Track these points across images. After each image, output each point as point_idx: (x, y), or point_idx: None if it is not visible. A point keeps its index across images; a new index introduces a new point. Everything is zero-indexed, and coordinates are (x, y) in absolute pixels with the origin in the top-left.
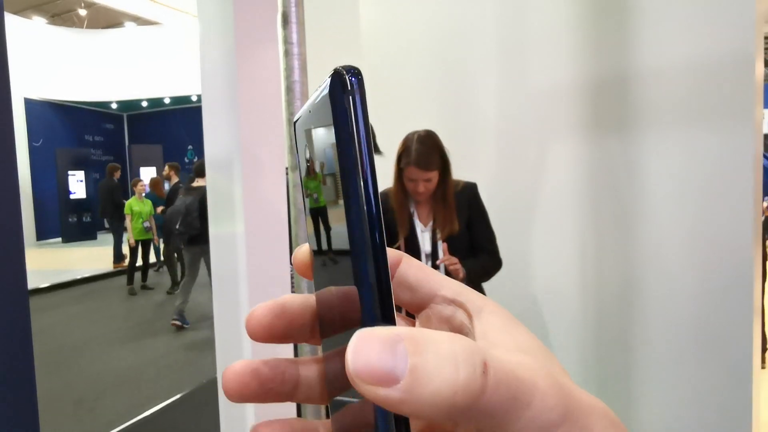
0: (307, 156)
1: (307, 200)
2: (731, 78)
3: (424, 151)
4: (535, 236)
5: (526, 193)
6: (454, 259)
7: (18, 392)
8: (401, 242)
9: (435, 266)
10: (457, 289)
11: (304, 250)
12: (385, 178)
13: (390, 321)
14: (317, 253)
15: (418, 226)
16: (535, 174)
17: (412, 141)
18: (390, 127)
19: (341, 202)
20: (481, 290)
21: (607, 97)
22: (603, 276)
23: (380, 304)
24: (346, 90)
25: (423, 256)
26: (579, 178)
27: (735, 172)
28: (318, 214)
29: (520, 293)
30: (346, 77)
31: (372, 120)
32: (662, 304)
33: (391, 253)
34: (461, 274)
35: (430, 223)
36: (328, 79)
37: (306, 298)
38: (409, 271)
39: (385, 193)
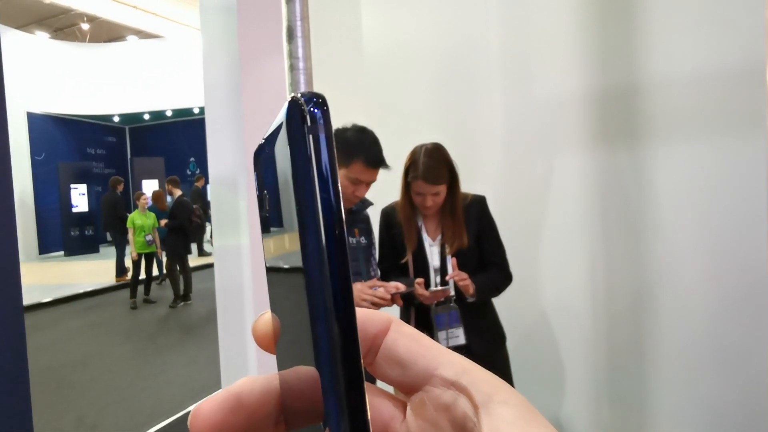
0: (264, 192)
1: (265, 257)
2: (742, 87)
3: (432, 164)
4: (543, 249)
5: (533, 206)
6: (464, 275)
7: (13, 410)
8: (409, 257)
9: (444, 282)
10: (460, 368)
11: (265, 319)
12: (392, 191)
13: (359, 425)
14: (277, 316)
15: (426, 241)
16: (543, 186)
17: (419, 154)
18: (395, 141)
19: (300, 261)
20: (491, 306)
21: (615, 108)
22: (614, 289)
23: (346, 397)
24: (305, 125)
25: (431, 271)
26: (587, 190)
27: (748, 182)
28: (275, 271)
29: (530, 307)
30: (306, 109)
31: (377, 134)
32: (676, 318)
33: (378, 318)
34: (471, 290)
35: (439, 237)
36: (284, 109)
37: (267, 383)
38: (399, 341)
39: (392, 207)
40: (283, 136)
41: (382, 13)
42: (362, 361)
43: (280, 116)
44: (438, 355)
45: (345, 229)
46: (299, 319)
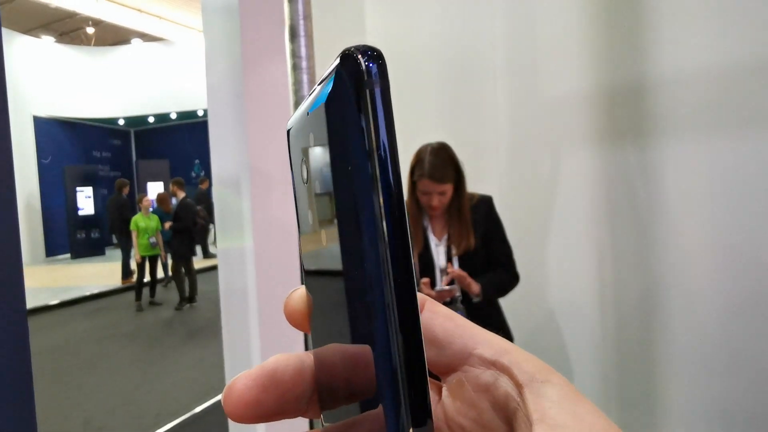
0: (304, 175)
1: (300, 231)
2: (753, 83)
3: (438, 163)
4: (550, 250)
5: (540, 206)
6: (464, 273)
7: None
8: (414, 257)
9: (450, 282)
10: (499, 347)
11: (298, 294)
12: None
13: (422, 411)
14: (315, 296)
15: (432, 241)
16: (550, 186)
17: (425, 153)
18: (401, 142)
19: (355, 236)
20: (498, 307)
21: (624, 106)
22: (622, 289)
23: (407, 380)
24: (361, 82)
25: (437, 272)
26: (595, 189)
27: (760, 181)
28: (318, 249)
29: (537, 308)
30: (362, 63)
31: None
32: (686, 317)
33: None
34: (475, 289)
35: (445, 238)
36: (335, 65)
37: (302, 360)
38: (435, 320)
39: None
40: (335, 95)
41: (387, 12)
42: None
43: (329, 75)
44: (476, 335)
45: (403, 192)
46: (347, 294)
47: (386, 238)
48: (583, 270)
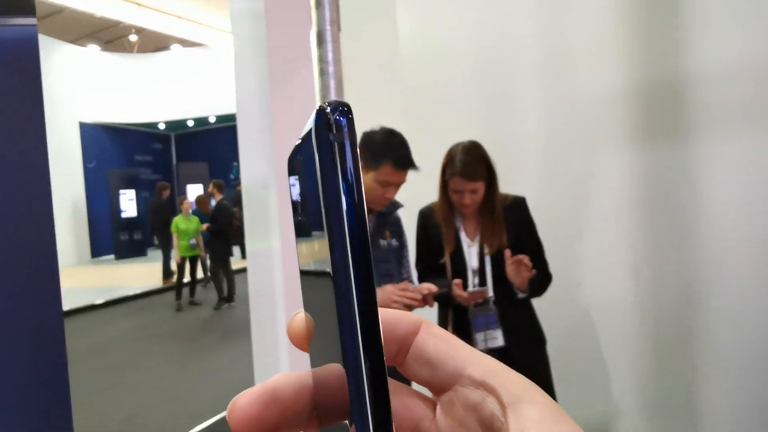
0: (296, 197)
1: (296, 251)
2: None
3: (470, 161)
4: (584, 249)
5: (574, 205)
6: (525, 257)
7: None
8: (447, 258)
9: (483, 283)
10: (489, 368)
11: (299, 319)
12: (424, 192)
13: (382, 422)
14: (311, 318)
15: (465, 241)
16: (585, 184)
17: (456, 152)
18: (431, 141)
19: (329, 262)
20: (530, 307)
21: (661, 103)
22: (660, 289)
23: (370, 395)
24: (330, 133)
25: (470, 272)
26: (631, 187)
27: None
28: (307, 273)
29: (571, 308)
30: (331, 117)
31: (412, 133)
32: (726, 316)
33: (408, 319)
34: (526, 276)
35: (477, 238)
36: (313, 118)
37: (303, 379)
38: (429, 342)
39: (430, 208)
40: (311, 142)
41: (418, 12)
42: (391, 360)
43: (309, 123)
44: (467, 356)
45: (368, 233)
46: (329, 319)
47: (351, 272)
48: (620, 269)
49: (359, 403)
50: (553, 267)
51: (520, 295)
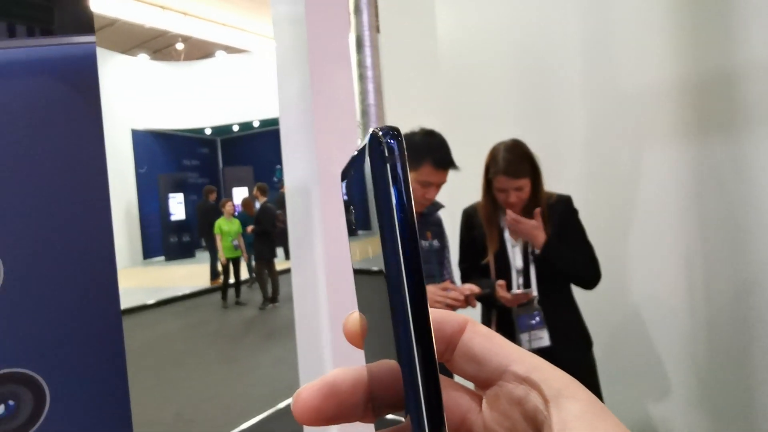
0: (352, 211)
1: (351, 260)
2: None
3: (513, 158)
4: (633, 248)
5: (622, 203)
6: (518, 216)
7: (113, 408)
8: (490, 258)
9: (527, 284)
10: (532, 365)
11: (353, 318)
12: (465, 192)
13: (438, 420)
14: (365, 318)
15: (509, 241)
16: (632, 182)
17: (499, 150)
18: (471, 141)
19: (384, 269)
20: (576, 308)
21: (712, 97)
22: (714, 288)
23: (424, 392)
24: (384, 156)
25: (514, 273)
26: (682, 184)
27: None
28: (361, 275)
29: (619, 308)
30: (384, 141)
31: (453, 133)
32: None
33: (454, 318)
34: (542, 234)
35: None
36: (366, 140)
37: (359, 373)
38: (475, 340)
39: (474, 207)
40: (365, 162)
41: (457, 12)
42: (439, 357)
43: (363, 143)
44: (511, 353)
45: (419, 242)
46: (383, 318)
47: (404, 280)
48: (670, 268)
49: (414, 396)
50: (602, 265)
51: (535, 251)
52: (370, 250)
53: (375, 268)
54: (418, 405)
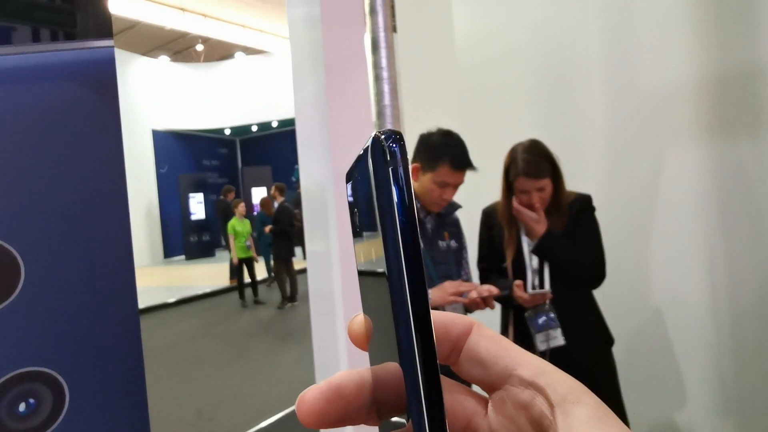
0: (356, 213)
1: (355, 262)
2: None
3: (532, 159)
4: (655, 248)
5: (643, 203)
6: (521, 208)
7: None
8: (508, 261)
9: (542, 285)
10: (538, 369)
11: (358, 320)
12: (482, 192)
13: (436, 422)
14: (369, 320)
15: (525, 241)
16: (653, 182)
17: (518, 151)
18: (489, 141)
19: (386, 272)
20: (595, 307)
21: (734, 95)
22: (737, 289)
23: (425, 395)
24: (386, 160)
25: (529, 273)
26: (703, 184)
27: None
28: (365, 277)
29: (640, 308)
30: (385, 144)
31: (470, 133)
32: None
33: (461, 321)
34: (539, 230)
35: None
36: (369, 143)
37: (363, 376)
38: (481, 343)
39: (493, 207)
40: (368, 165)
41: (475, 12)
42: (445, 360)
43: (365, 147)
44: (517, 357)
45: (420, 245)
46: (386, 320)
47: (405, 284)
48: (693, 270)
49: (415, 398)
50: (622, 266)
51: (532, 240)
52: (374, 252)
53: (378, 270)
54: (419, 407)
